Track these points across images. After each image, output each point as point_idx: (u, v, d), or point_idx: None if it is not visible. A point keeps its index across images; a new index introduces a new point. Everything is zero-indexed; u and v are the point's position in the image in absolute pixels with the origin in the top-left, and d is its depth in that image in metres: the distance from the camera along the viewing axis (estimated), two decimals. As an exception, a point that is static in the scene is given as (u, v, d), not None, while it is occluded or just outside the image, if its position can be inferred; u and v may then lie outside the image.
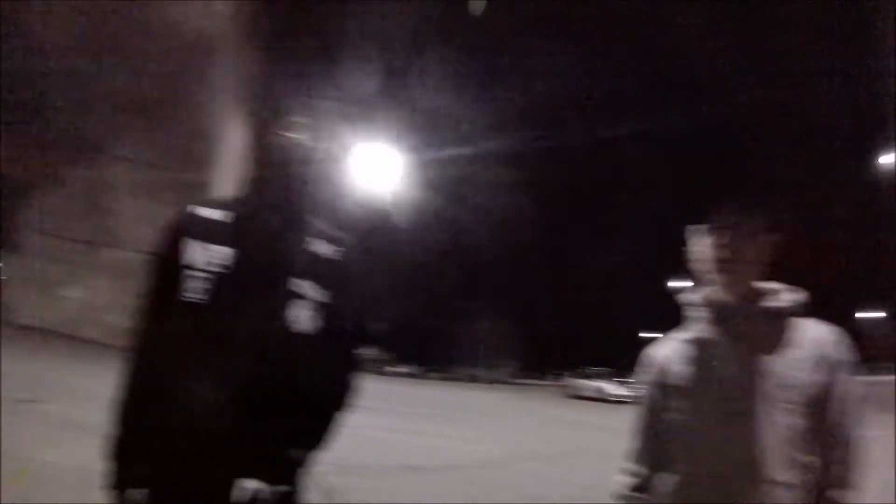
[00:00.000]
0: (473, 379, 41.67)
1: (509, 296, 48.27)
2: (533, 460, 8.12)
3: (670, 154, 41.35)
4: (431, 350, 44.81)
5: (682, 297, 1.43)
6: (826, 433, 1.23)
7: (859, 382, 1.28)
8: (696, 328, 1.39)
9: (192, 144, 17.20)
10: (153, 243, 1.36)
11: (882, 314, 67.33)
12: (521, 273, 49.14)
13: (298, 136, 1.33)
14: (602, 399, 22.38)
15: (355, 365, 1.45)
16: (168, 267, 1.28)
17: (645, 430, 1.43)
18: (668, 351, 1.43)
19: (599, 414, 15.93)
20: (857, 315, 68.41)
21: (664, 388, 1.38)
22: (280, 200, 1.36)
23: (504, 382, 42.41)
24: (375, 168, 24.24)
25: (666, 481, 1.32)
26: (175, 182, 15.15)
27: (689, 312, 1.41)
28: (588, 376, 25.56)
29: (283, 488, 1.24)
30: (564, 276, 49.59)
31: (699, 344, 1.36)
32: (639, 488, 1.39)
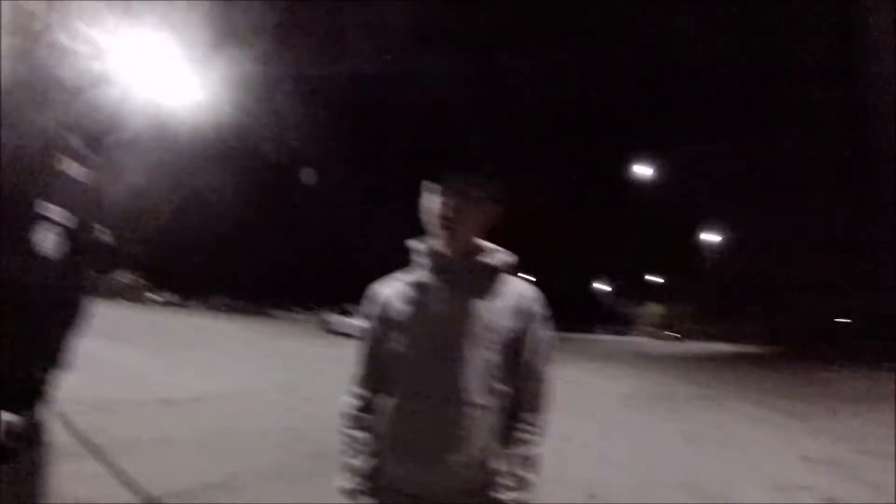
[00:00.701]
0: (232, 309, 40.41)
1: (271, 227, 47.07)
2: (287, 392, 8.32)
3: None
4: (191, 278, 42.21)
5: (410, 244, 1.60)
6: (520, 368, 1.49)
7: (550, 331, 1.58)
8: (417, 273, 1.57)
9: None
10: None
11: (608, 289, 79.48)
12: (285, 205, 48.12)
13: (63, 36, 1.22)
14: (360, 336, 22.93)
15: (90, 291, 1.40)
16: None
17: (367, 357, 1.59)
18: (391, 289, 1.59)
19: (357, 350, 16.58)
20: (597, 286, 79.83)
21: (385, 322, 1.54)
22: (32, 110, 1.22)
23: (264, 314, 41.80)
24: (160, 82, 21.61)
25: (385, 402, 1.51)
26: None
27: (415, 258, 1.60)
28: (348, 313, 25.87)
29: (28, 415, 1.20)
30: (326, 211, 49.58)
31: (418, 286, 1.53)
32: (362, 409, 1.56)
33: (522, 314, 1.51)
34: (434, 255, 1.55)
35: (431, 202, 1.53)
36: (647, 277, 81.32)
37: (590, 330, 75.32)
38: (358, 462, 1.51)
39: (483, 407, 1.42)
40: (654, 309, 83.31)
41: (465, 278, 1.51)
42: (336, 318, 26.03)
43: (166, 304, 36.52)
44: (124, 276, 34.95)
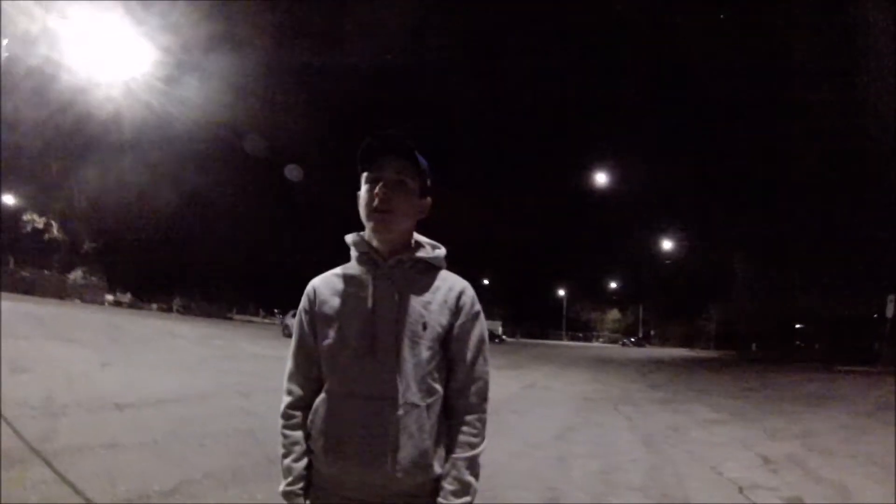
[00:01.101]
0: (191, 311, 39.70)
1: (235, 228, 46.34)
2: (244, 396, 8.13)
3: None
4: (151, 279, 41.22)
5: (347, 238, 1.54)
6: (456, 366, 1.45)
7: (483, 327, 1.51)
8: (352, 267, 1.53)
9: None
10: None
11: (567, 294, 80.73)
12: (251, 208, 47.44)
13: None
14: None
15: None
16: None
17: (298, 352, 1.53)
18: (325, 283, 1.53)
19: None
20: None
21: (318, 317, 1.49)
22: None
23: (224, 317, 41.19)
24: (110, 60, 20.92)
25: (318, 401, 1.46)
26: None
27: (351, 253, 1.54)
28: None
29: None
30: (293, 213, 49.09)
31: (351, 280, 1.49)
32: (295, 406, 1.51)
33: (456, 310, 1.47)
34: (366, 247, 1.50)
35: (364, 191, 1.48)
36: (605, 283, 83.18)
37: (549, 336, 76.35)
38: (292, 462, 1.46)
39: (418, 407, 1.39)
40: (612, 314, 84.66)
41: (397, 272, 1.47)
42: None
43: (124, 304, 35.65)
44: (81, 276, 34.02)
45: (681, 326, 69.47)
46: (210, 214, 43.88)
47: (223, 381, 9.30)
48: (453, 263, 1.57)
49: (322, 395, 1.46)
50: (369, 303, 1.44)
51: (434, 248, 1.55)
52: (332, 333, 1.45)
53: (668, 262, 60.11)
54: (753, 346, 50.15)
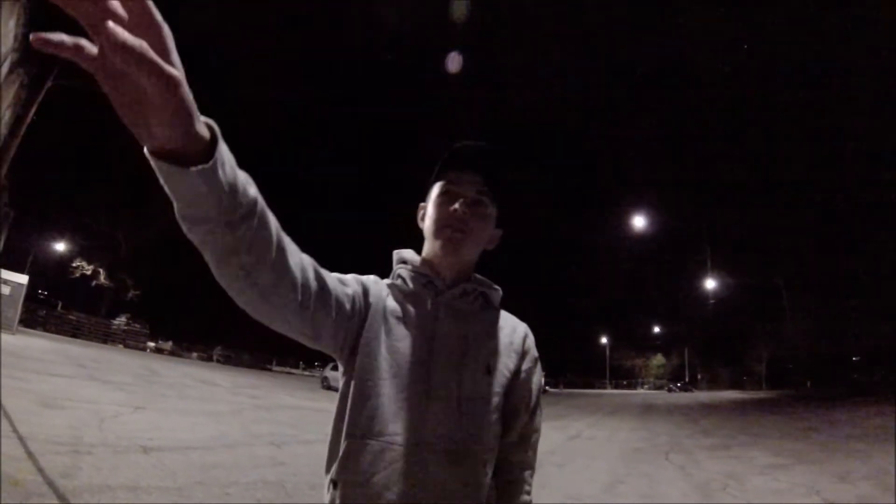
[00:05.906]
0: (231, 361, 40.02)
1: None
2: (276, 446, 7.87)
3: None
4: (191, 327, 42.01)
5: (397, 253, 1.30)
6: (513, 414, 1.21)
7: (541, 373, 1.32)
8: (400, 290, 1.23)
9: None
10: None
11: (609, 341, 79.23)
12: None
13: None
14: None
15: None
16: None
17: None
18: (383, 286, 1.24)
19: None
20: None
21: (369, 308, 1.18)
22: None
23: (263, 368, 41.40)
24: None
25: (347, 445, 1.09)
26: None
27: (401, 271, 1.26)
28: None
29: None
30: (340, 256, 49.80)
31: (409, 297, 1.22)
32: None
33: (522, 353, 1.24)
34: (427, 268, 1.24)
35: (436, 204, 1.22)
36: (648, 328, 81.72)
37: (593, 384, 74.90)
38: None
39: (488, 463, 1.12)
40: (657, 360, 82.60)
41: (461, 304, 1.22)
42: (335, 374, 25.67)
43: (165, 352, 36.24)
44: (125, 322, 34.78)
45: (729, 368, 67.06)
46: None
47: (255, 431, 9.07)
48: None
49: (357, 441, 1.08)
50: (428, 331, 1.16)
51: (491, 283, 1.29)
52: (375, 350, 1.13)
53: (711, 301, 58.54)
54: (808, 384, 47.78)
